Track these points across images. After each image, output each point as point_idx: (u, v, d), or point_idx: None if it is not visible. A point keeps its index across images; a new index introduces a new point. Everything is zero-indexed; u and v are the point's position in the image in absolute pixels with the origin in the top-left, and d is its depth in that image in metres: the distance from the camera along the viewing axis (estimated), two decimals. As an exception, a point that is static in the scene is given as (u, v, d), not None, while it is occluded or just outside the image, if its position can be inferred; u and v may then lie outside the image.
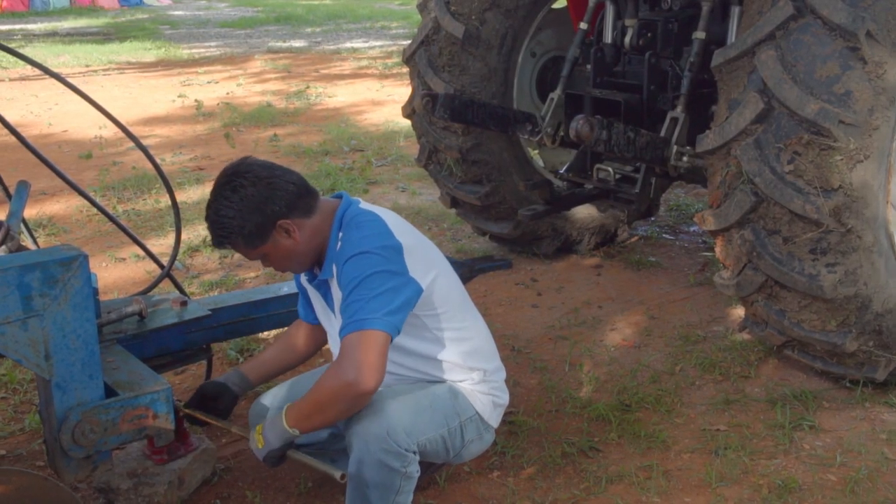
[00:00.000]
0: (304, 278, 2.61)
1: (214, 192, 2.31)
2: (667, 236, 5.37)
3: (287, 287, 3.08)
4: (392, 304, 2.18)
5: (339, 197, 2.46)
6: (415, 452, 2.32)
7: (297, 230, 2.32)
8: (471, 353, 2.53)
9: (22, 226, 2.51)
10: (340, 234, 2.35)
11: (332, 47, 15.65)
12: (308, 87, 11.07)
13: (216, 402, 2.64)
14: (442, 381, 2.51)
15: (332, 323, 2.53)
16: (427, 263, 2.38)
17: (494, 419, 2.60)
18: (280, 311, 3.05)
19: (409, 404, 2.36)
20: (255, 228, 2.28)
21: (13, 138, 2.62)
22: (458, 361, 2.50)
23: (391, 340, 2.20)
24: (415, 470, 2.34)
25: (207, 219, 2.33)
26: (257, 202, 2.26)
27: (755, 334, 3.58)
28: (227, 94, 10.72)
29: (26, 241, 2.57)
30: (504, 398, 2.63)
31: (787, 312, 3.27)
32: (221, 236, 2.30)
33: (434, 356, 2.48)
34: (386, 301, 2.18)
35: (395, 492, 2.32)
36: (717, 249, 3.44)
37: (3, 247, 2.27)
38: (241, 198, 2.26)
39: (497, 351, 2.68)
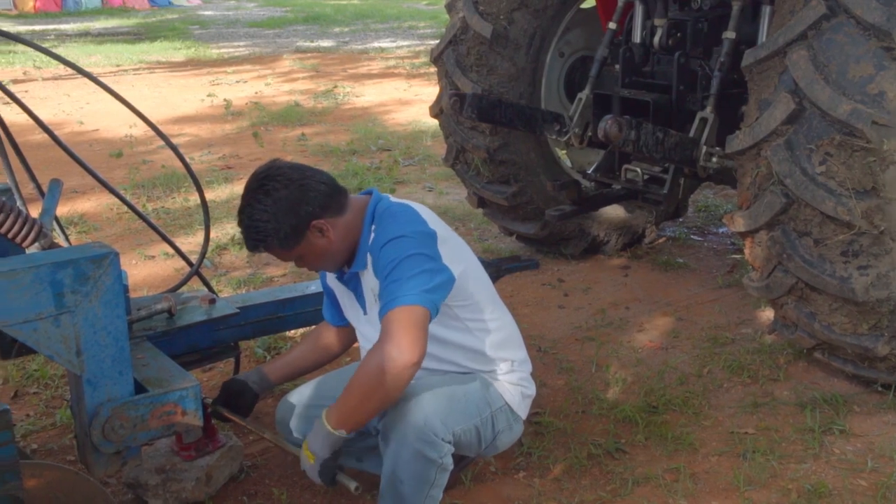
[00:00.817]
0: (331, 278, 2.62)
1: (247, 197, 2.31)
2: (695, 237, 5.33)
3: (314, 286, 3.09)
4: (430, 284, 2.20)
5: (369, 193, 2.47)
6: (450, 443, 2.33)
7: (330, 229, 2.33)
8: (501, 344, 2.55)
9: (54, 223, 2.54)
10: (373, 227, 2.36)
11: (359, 47, 15.70)
12: (336, 87, 11.11)
13: (238, 400, 2.66)
14: (472, 373, 2.52)
15: (360, 319, 2.54)
16: (458, 254, 2.41)
17: (523, 410, 2.61)
18: (307, 310, 3.07)
19: (443, 394, 2.36)
20: (290, 230, 2.29)
21: (46, 137, 2.65)
22: (489, 352, 2.52)
23: (430, 318, 2.20)
24: (449, 462, 2.35)
25: (241, 224, 2.33)
26: (291, 204, 2.27)
27: (784, 337, 3.55)
28: (256, 93, 10.78)
29: (58, 239, 2.60)
30: (531, 389, 2.64)
31: (818, 315, 3.23)
32: (256, 240, 2.31)
33: (466, 346, 2.50)
34: (424, 280, 2.19)
35: (430, 484, 2.33)
36: (747, 251, 3.41)
37: (36, 244, 2.29)
38: (275, 201, 2.27)
39: (524, 343, 2.70)
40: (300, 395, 2.70)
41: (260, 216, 2.27)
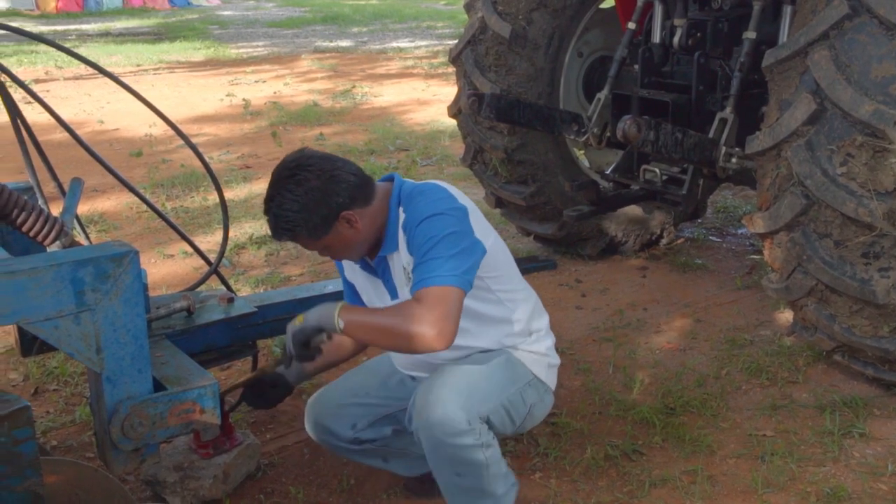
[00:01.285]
0: (351, 271, 2.62)
1: (276, 186, 2.30)
2: (714, 238, 5.30)
3: (332, 285, 3.10)
4: (466, 265, 2.22)
5: (391, 179, 2.47)
6: (482, 422, 2.33)
7: (358, 220, 2.33)
8: (530, 314, 2.57)
9: (75, 222, 2.56)
10: (401, 209, 2.36)
11: (378, 47, 15.73)
12: (354, 87, 11.13)
13: (271, 391, 2.70)
14: (496, 350, 2.50)
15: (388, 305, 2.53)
16: (485, 226, 2.44)
17: (552, 380, 2.62)
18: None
19: (459, 384, 2.34)
20: (319, 221, 2.28)
21: (68, 136, 2.67)
22: (520, 323, 2.53)
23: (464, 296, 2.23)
24: (489, 438, 2.35)
25: (269, 212, 2.32)
26: (322, 195, 2.26)
27: (804, 339, 3.52)
28: (275, 93, 10.82)
29: (79, 238, 2.62)
30: (556, 359, 2.66)
31: (838, 317, 3.21)
32: (285, 229, 2.31)
33: (499, 317, 2.51)
34: (461, 262, 2.22)
35: (485, 465, 2.33)
36: (766, 252, 3.39)
37: (58, 242, 2.31)
38: (306, 191, 2.26)
39: (546, 312, 2.72)
40: (330, 396, 2.70)
41: (290, 206, 2.27)
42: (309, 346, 2.33)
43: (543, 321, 2.65)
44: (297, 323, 2.31)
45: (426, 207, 2.31)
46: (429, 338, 2.11)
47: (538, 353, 2.57)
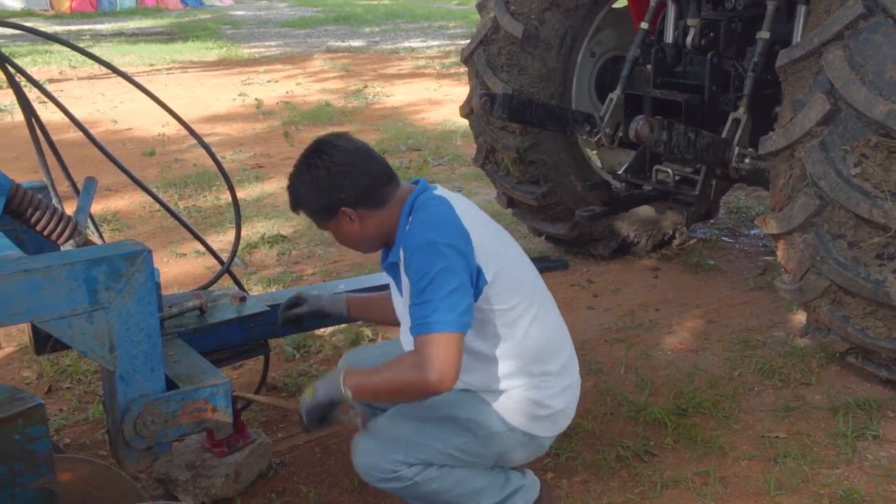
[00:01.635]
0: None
1: (298, 162, 2.35)
2: (726, 239, 5.28)
3: (343, 284, 3.10)
4: (462, 305, 2.16)
5: (417, 183, 2.43)
6: (409, 465, 2.35)
7: (358, 220, 2.32)
8: (534, 355, 2.40)
9: (89, 221, 2.57)
10: (410, 219, 2.33)
11: (390, 47, 15.74)
12: (366, 87, 11.14)
13: (293, 308, 2.79)
14: (470, 393, 2.41)
15: (399, 304, 2.50)
16: (496, 252, 2.34)
17: (542, 429, 2.45)
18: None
19: (385, 432, 2.39)
20: (320, 208, 2.32)
21: (81, 135, 2.68)
22: (513, 363, 2.38)
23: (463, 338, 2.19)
24: (431, 472, 2.36)
25: (288, 184, 2.39)
26: (325, 186, 2.28)
27: (817, 340, 3.50)
28: (287, 92, 10.85)
29: (93, 236, 2.63)
30: (550, 408, 2.42)
31: (852, 319, 3.19)
32: (294, 203, 2.39)
33: (490, 355, 2.38)
34: (457, 302, 2.16)
35: (435, 494, 2.39)
36: (779, 253, 3.37)
37: (71, 241, 2.32)
38: (313, 178, 2.29)
39: (568, 346, 2.53)
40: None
41: (299, 186, 2.33)
42: (326, 421, 2.30)
43: (554, 363, 2.44)
44: (308, 398, 2.28)
45: (424, 230, 2.25)
46: (432, 386, 2.12)
47: (525, 400, 2.39)
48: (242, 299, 2.83)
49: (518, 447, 2.44)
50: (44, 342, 2.67)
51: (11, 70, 2.49)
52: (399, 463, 2.35)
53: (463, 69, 5.65)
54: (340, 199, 2.29)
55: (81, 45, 11.69)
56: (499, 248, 2.39)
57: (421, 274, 2.19)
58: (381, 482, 2.38)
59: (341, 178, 2.29)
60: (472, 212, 2.39)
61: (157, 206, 3.03)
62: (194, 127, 2.80)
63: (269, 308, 2.84)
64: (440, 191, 2.40)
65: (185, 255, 5.09)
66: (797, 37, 3.72)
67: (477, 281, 2.26)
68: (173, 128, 8.31)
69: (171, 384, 2.22)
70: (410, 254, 2.25)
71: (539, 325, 2.41)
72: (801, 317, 3.98)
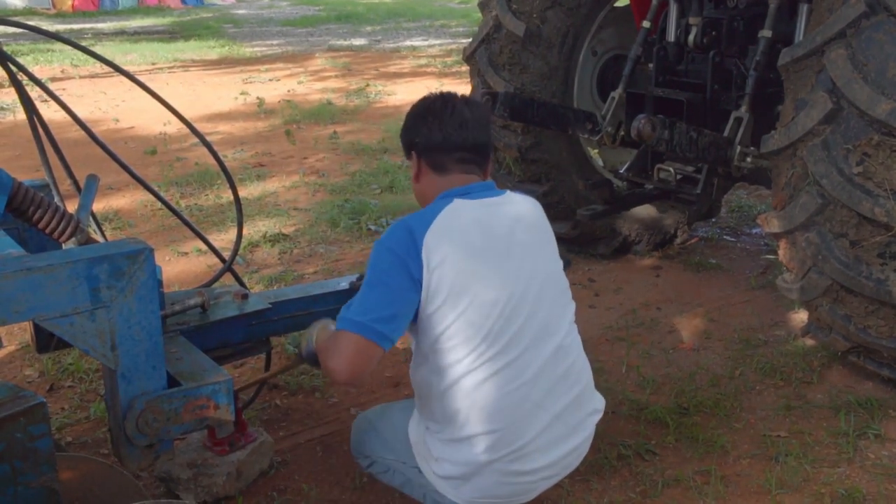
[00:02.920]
0: None
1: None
2: (728, 238, 5.28)
3: (345, 282, 3.10)
4: (375, 312, 2.08)
5: (475, 185, 2.33)
6: (366, 457, 2.49)
7: (415, 168, 2.36)
8: (466, 417, 2.16)
9: (90, 219, 2.58)
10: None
11: (391, 45, 15.74)
12: (368, 85, 11.14)
13: None
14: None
15: None
16: (461, 282, 2.13)
17: (452, 492, 2.26)
18: (339, 305, 3.04)
19: (364, 423, 2.51)
20: (403, 140, 2.39)
21: (83, 134, 2.68)
22: (435, 407, 2.22)
23: (380, 350, 2.08)
24: (381, 468, 2.46)
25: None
26: (409, 122, 2.35)
27: (819, 339, 3.50)
28: (288, 91, 10.85)
29: (95, 235, 2.63)
30: (466, 492, 2.23)
31: (853, 318, 3.19)
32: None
33: (418, 388, 2.29)
34: (371, 307, 2.10)
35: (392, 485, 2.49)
36: (781, 252, 3.37)
37: (73, 239, 2.32)
38: (412, 107, 2.37)
39: (524, 427, 2.19)
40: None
41: (409, 112, 2.39)
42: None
43: (478, 426, 2.15)
44: (302, 347, 2.44)
45: (396, 225, 2.21)
46: (330, 375, 2.14)
47: (437, 459, 2.25)
48: (244, 297, 2.83)
49: (436, 494, 2.32)
50: (46, 341, 2.67)
51: (13, 68, 2.49)
52: (370, 457, 2.47)
53: (465, 68, 5.64)
54: (411, 140, 2.35)
55: (83, 43, 11.70)
56: (477, 276, 2.15)
57: (368, 265, 2.21)
58: (364, 467, 2.53)
59: (419, 123, 2.32)
60: (467, 228, 2.19)
61: (159, 204, 3.04)
62: (196, 126, 2.80)
63: (270, 305, 2.85)
64: (469, 202, 2.24)
65: (186, 253, 5.09)
66: (799, 35, 3.72)
67: (410, 301, 2.14)
68: (175, 126, 8.32)
69: (173, 381, 2.23)
70: None
71: (497, 383, 2.16)
72: (802, 316, 3.98)
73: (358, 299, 2.14)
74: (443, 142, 2.28)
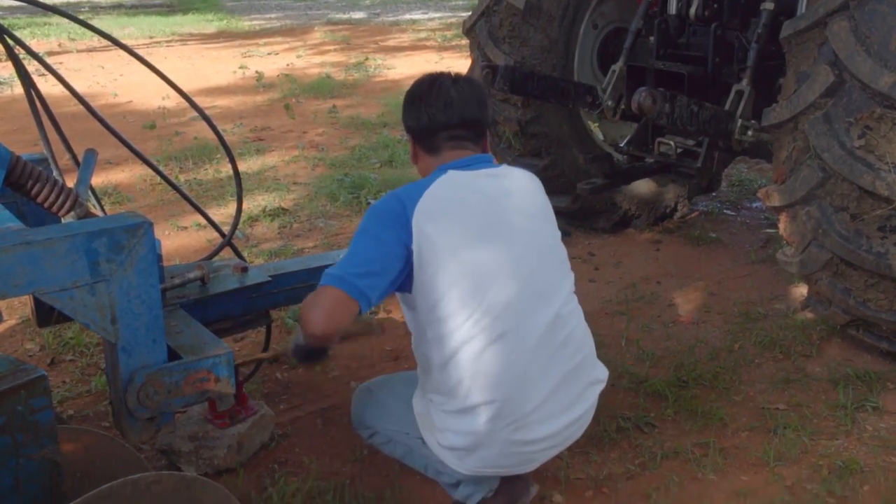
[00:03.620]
0: None
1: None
2: (728, 212, 5.27)
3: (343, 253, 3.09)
4: (359, 268, 2.12)
5: (470, 158, 2.33)
6: (366, 427, 2.51)
7: (412, 150, 2.41)
8: (468, 388, 2.18)
9: (90, 193, 2.57)
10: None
11: (391, 19, 15.63)
12: (367, 59, 11.08)
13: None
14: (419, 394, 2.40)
15: None
16: (453, 250, 2.15)
17: (455, 462, 2.28)
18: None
19: (366, 395, 2.53)
20: (403, 119, 2.41)
21: (81, 108, 2.67)
22: (437, 379, 2.24)
23: (357, 306, 2.11)
24: (383, 439, 2.48)
25: None
26: (404, 106, 2.39)
27: (818, 313, 3.51)
28: (287, 65, 10.79)
29: (94, 209, 2.63)
30: (461, 441, 2.23)
31: (853, 291, 3.19)
32: None
33: (420, 362, 2.33)
34: (355, 263, 2.14)
35: (392, 456, 2.52)
36: (781, 226, 3.37)
37: (72, 213, 2.32)
38: (409, 91, 2.38)
39: (525, 396, 2.19)
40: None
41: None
42: (311, 357, 2.48)
43: (490, 392, 2.16)
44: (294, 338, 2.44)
45: (389, 194, 2.27)
46: (304, 327, 2.16)
47: (441, 430, 2.27)
48: (244, 269, 2.83)
49: (440, 470, 2.36)
50: (47, 315, 2.67)
51: (11, 42, 2.47)
52: (371, 427, 2.48)
53: (465, 41, 5.61)
54: (406, 121, 2.39)
55: (80, 17, 11.60)
56: (473, 244, 2.18)
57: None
58: (365, 438, 2.54)
59: (411, 106, 2.35)
60: (461, 201, 2.21)
61: (158, 179, 3.03)
62: (194, 100, 2.79)
63: (270, 278, 2.85)
64: (465, 173, 2.26)
65: (186, 227, 5.09)
66: (802, 7, 3.69)
67: (396, 263, 2.16)
68: (174, 101, 8.28)
69: (173, 355, 2.23)
70: None
71: (494, 348, 2.16)
72: (802, 289, 3.99)
73: (343, 257, 2.19)
74: (429, 123, 2.32)
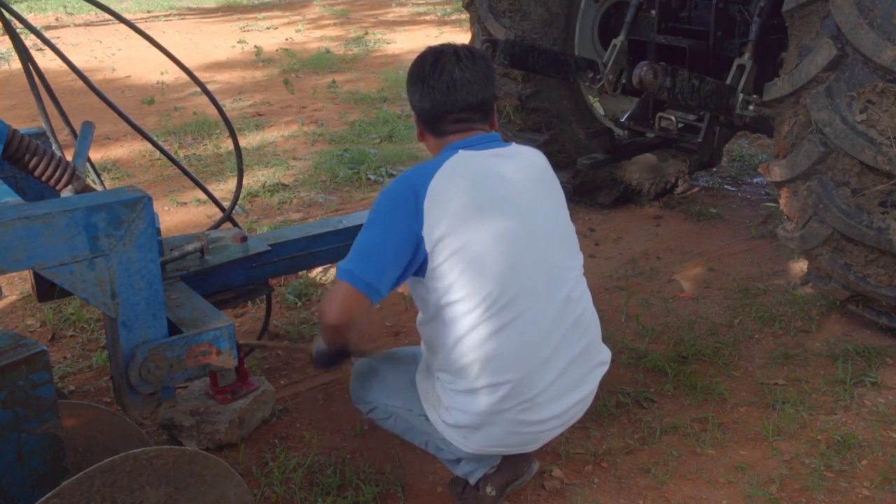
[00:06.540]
0: None
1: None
2: (728, 187, 5.26)
3: (346, 220, 3.07)
4: (369, 262, 2.11)
5: (479, 137, 2.30)
6: (366, 402, 2.49)
7: (418, 128, 2.37)
8: (481, 367, 2.17)
9: (88, 167, 2.56)
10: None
11: (390, -7, 15.52)
12: (366, 34, 11.01)
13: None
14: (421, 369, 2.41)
15: None
16: (466, 235, 2.12)
17: (459, 440, 2.28)
18: (339, 244, 3.01)
19: (366, 371, 2.51)
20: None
21: (79, 83, 2.65)
22: (446, 359, 2.22)
23: (367, 300, 2.11)
24: (383, 414, 2.47)
25: None
26: (407, 81, 2.35)
27: (818, 288, 3.51)
28: (286, 40, 10.72)
29: (93, 183, 2.62)
30: (464, 418, 2.22)
31: (853, 266, 3.19)
32: None
33: (427, 341, 2.31)
34: (364, 255, 2.13)
35: (392, 431, 2.51)
36: (782, 201, 3.36)
37: (70, 186, 2.31)
38: (410, 69, 2.34)
39: (536, 378, 2.19)
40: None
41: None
42: (332, 364, 2.44)
43: (501, 375, 2.15)
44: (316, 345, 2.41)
45: (398, 178, 2.24)
46: (324, 317, 2.17)
47: (447, 407, 2.26)
48: (244, 239, 2.81)
49: (442, 447, 2.37)
50: (47, 290, 2.67)
51: (8, 16, 2.45)
52: (371, 403, 2.47)
53: (464, 15, 5.58)
54: (412, 101, 2.34)
55: (77, -9, 11.53)
56: (482, 226, 2.15)
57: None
58: (365, 413, 2.52)
59: (415, 86, 2.30)
60: (471, 179, 2.18)
61: (158, 154, 3.02)
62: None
63: (270, 247, 2.83)
64: (472, 153, 2.23)
65: (185, 203, 5.08)
66: (805, -20, 3.66)
67: (407, 248, 2.13)
68: (173, 76, 8.24)
69: (174, 328, 2.23)
70: None
71: (507, 328, 2.15)
72: (802, 265, 3.98)
73: (354, 247, 2.16)
74: (433, 108, 2.27)
